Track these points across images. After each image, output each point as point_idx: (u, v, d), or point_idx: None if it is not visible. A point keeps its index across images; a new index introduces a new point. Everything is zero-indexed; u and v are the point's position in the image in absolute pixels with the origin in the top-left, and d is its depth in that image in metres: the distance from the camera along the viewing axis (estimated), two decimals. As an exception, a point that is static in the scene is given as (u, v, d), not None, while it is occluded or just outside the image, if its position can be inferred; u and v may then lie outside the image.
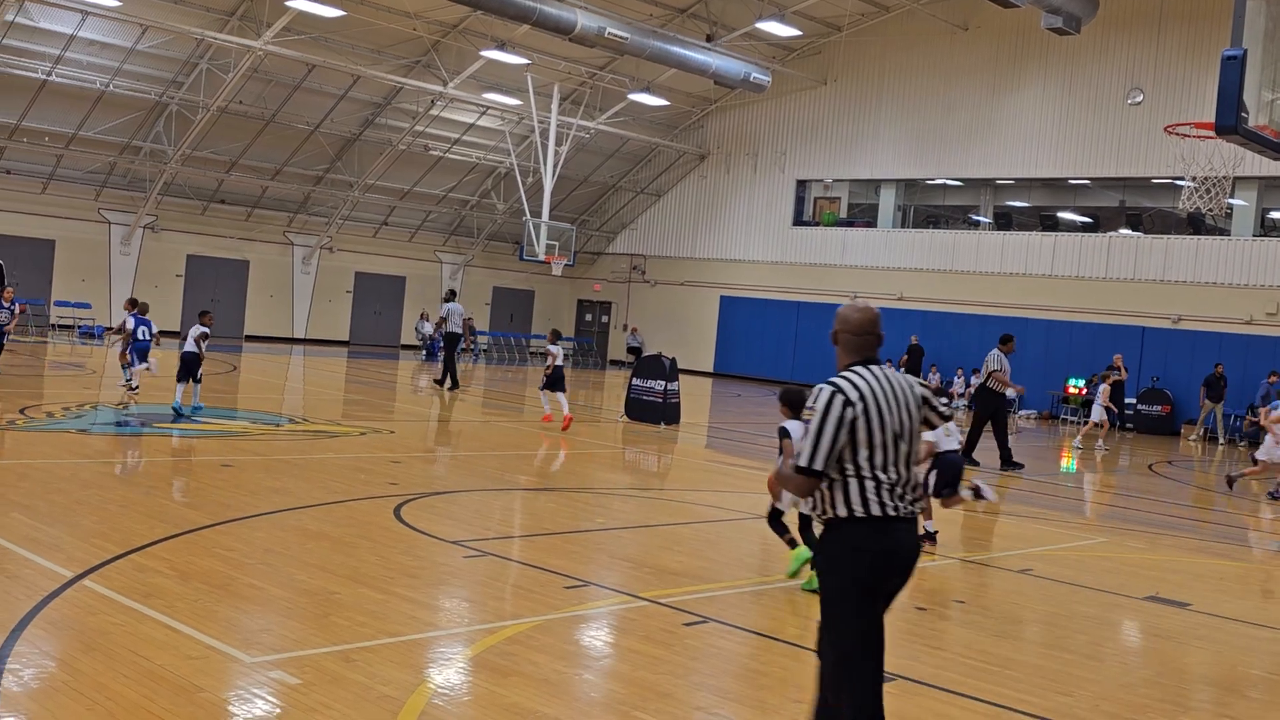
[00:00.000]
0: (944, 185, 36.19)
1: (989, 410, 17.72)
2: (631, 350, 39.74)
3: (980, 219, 35.71)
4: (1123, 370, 26.03)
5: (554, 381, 18.06)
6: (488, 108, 35.32)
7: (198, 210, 34.87)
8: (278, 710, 5.25)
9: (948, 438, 10.44)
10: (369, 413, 19.34)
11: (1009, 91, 33.09)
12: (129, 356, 17.69)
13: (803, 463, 4.39)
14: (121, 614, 6.39)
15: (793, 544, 8.60)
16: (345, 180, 36.13)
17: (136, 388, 17.65)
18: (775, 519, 8.70)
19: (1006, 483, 16.26)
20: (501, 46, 30.55)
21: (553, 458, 15.53)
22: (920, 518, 10.31)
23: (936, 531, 10.45)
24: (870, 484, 4.39)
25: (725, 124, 39.88)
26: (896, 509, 4.43)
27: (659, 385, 20.41)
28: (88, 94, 30.10)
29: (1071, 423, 30.09)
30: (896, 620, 7.81)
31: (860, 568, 4.44)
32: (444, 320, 25.10)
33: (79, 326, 32.11)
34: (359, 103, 33.98)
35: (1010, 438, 18.36)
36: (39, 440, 12.77)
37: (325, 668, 5.81)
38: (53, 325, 32.00)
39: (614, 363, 42.08)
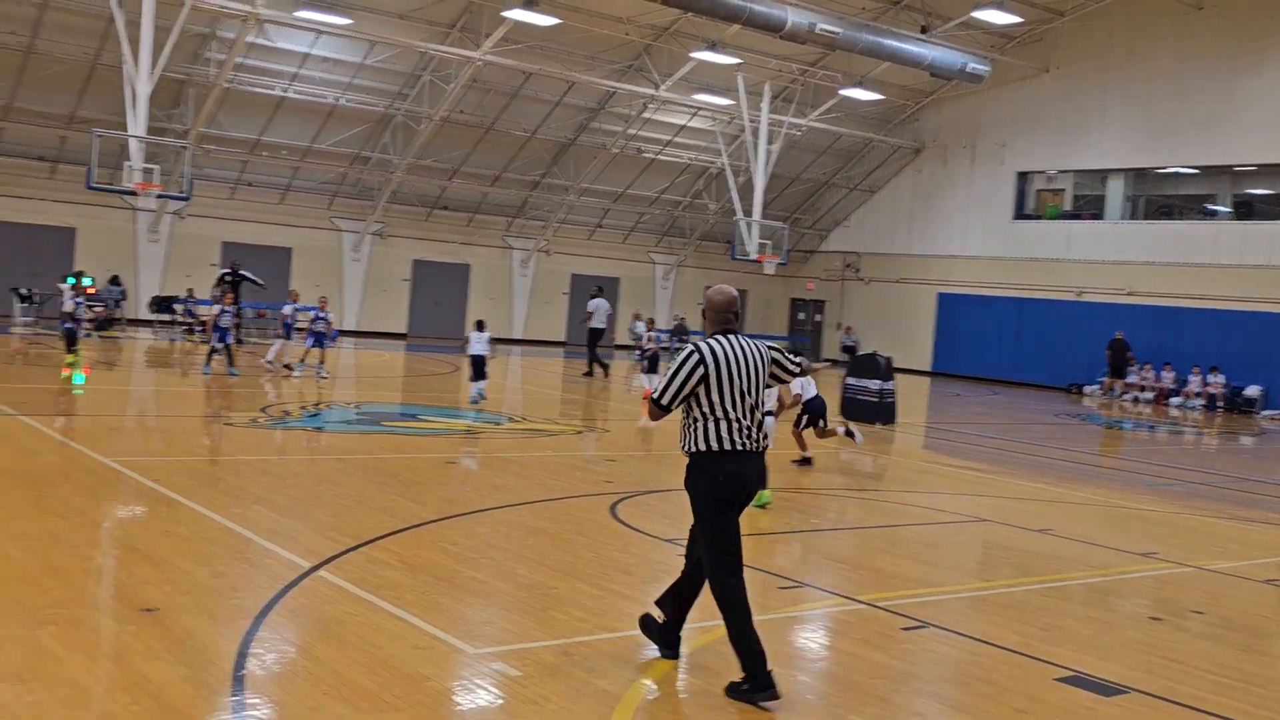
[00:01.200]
0: (1177, 174, 34.26)
1: None
2: (846, 349, 39.22)
3: (1218, 208, 33.64)
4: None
5: (654, 364, 20.63)
6: (699, 108, 35.49)
7: (422, 216, 36.35)
8: (500, 701, 5.40)
9: (809, 385, 13.68)
10: (585, 411, 19.73)
11: (1249, 72, 31.03)
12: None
13: (656, 396, 5.81)
14: (354, 604, 6.71)
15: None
16: (561, 184, 36.98)
17: (286, 365, 21.01)
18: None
19: (1253, 490, 15.25)
20: (712, 47, 30.64)
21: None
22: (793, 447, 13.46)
23: (853, 433, 15.04)
24: (721, 425, 5.68)
25: (941, 116, 38.87)
26: (737, 444, 5.70)
27: (874, 385, 20.08)
28: (320, 109, 31.81)
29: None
30: (1128, 629, 7.44)
31: (714, 487, 5.72)
32: (590, 315, 25.95)
33: (307, 331, 33.93)
34: (573, 108, 34.70)
35: (1251, 440, 17.18)
36: (278, 437, 13.54)
37: (544, 661, 5.94)
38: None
39: (828, 361, 41.57)
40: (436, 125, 32.18)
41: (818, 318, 43.53)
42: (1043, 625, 7.40)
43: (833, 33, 28.41)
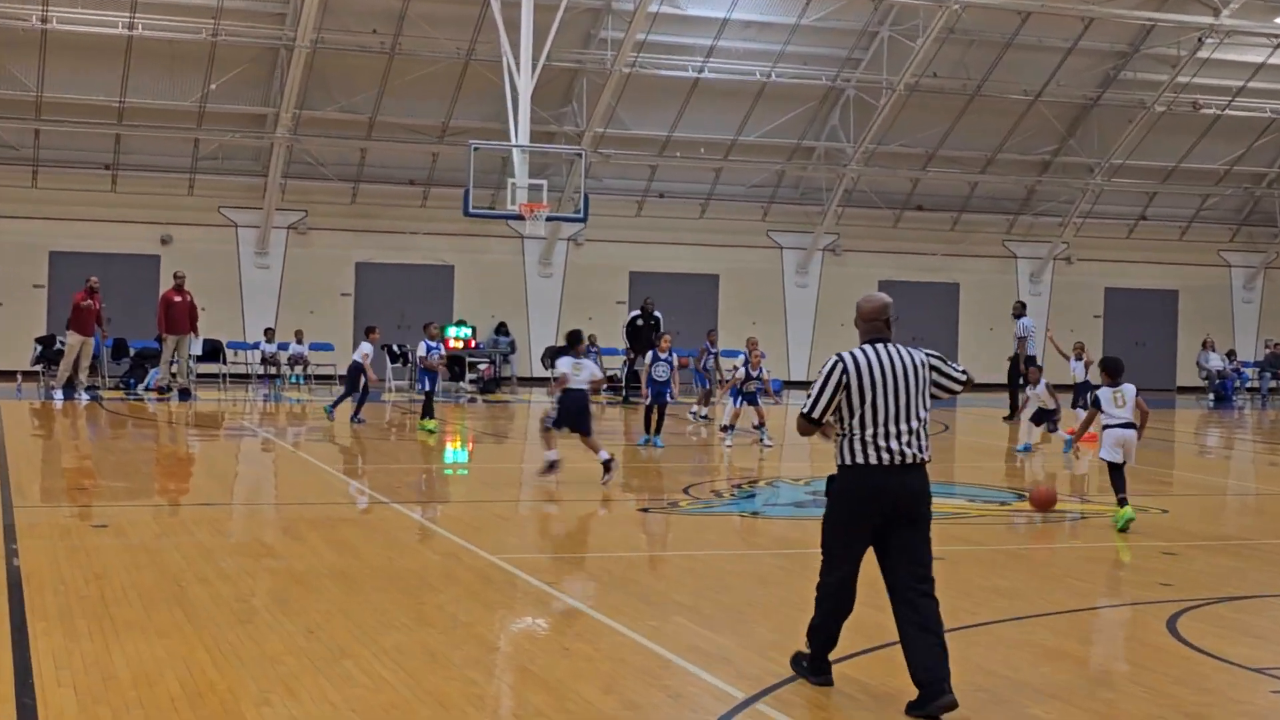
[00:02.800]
0: None
1: None
2: None
3: None
4: None
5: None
6: (1283, 38, 33.72)
7: (888, 221, 36.62)
8: None
9: (578, 375, 15.42)
10: (1138, 485, 19.00)
11: None
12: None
13: (805, 410, 7.36)
14: (805, 749, 6.80)
15: (1122, 503, 13.37)
16: (1082, 163, 36.17)
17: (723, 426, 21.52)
18: (1115, 471, 13.66)
19: None
20: (1299, -54, 29.02)
21: None
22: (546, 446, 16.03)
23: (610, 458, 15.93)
24: (868, 436, 7.17)
25: None
26: (884, 458, 7.20)
27: None
28: (746, 89, 33.18)
29: None
30: None
31: (849, 501, 7.37)
32: (1022, 341, 26.75)
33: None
34: (1094, 54, 34.02)
35: None
36: (705, 526, 14.04)
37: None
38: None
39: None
40: (901, 97, 32.46)
41: None
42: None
43: None
